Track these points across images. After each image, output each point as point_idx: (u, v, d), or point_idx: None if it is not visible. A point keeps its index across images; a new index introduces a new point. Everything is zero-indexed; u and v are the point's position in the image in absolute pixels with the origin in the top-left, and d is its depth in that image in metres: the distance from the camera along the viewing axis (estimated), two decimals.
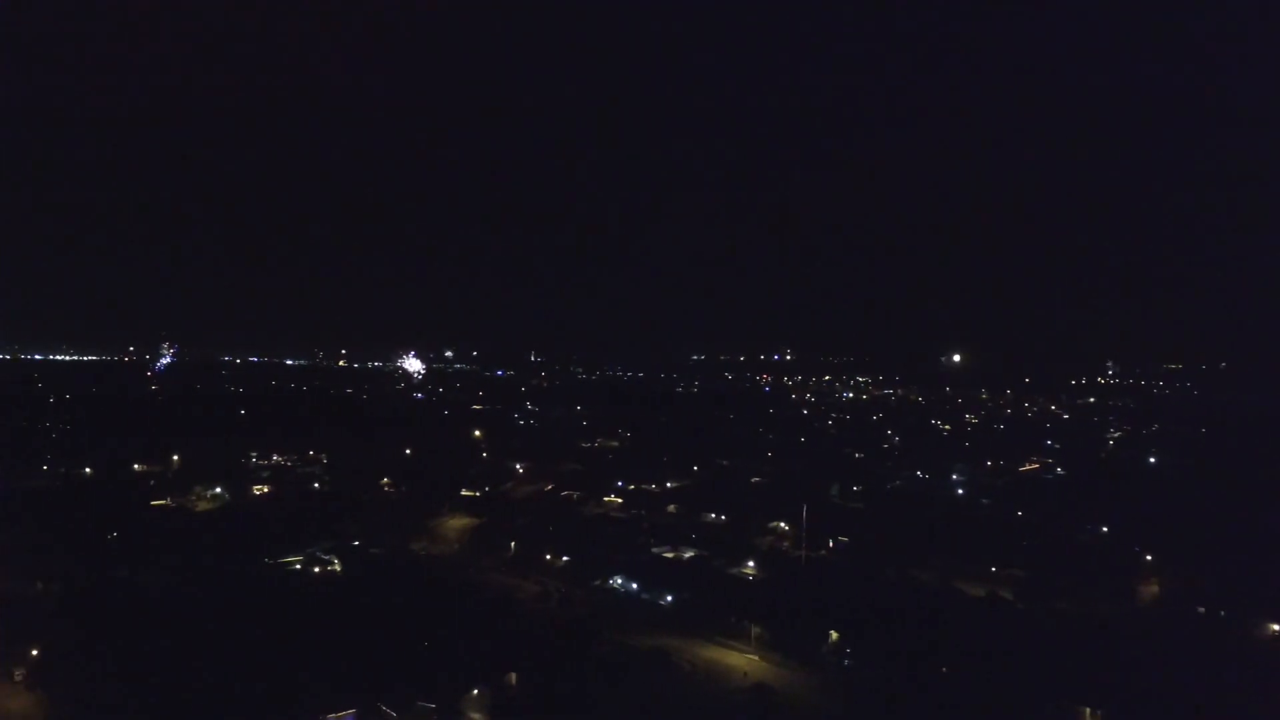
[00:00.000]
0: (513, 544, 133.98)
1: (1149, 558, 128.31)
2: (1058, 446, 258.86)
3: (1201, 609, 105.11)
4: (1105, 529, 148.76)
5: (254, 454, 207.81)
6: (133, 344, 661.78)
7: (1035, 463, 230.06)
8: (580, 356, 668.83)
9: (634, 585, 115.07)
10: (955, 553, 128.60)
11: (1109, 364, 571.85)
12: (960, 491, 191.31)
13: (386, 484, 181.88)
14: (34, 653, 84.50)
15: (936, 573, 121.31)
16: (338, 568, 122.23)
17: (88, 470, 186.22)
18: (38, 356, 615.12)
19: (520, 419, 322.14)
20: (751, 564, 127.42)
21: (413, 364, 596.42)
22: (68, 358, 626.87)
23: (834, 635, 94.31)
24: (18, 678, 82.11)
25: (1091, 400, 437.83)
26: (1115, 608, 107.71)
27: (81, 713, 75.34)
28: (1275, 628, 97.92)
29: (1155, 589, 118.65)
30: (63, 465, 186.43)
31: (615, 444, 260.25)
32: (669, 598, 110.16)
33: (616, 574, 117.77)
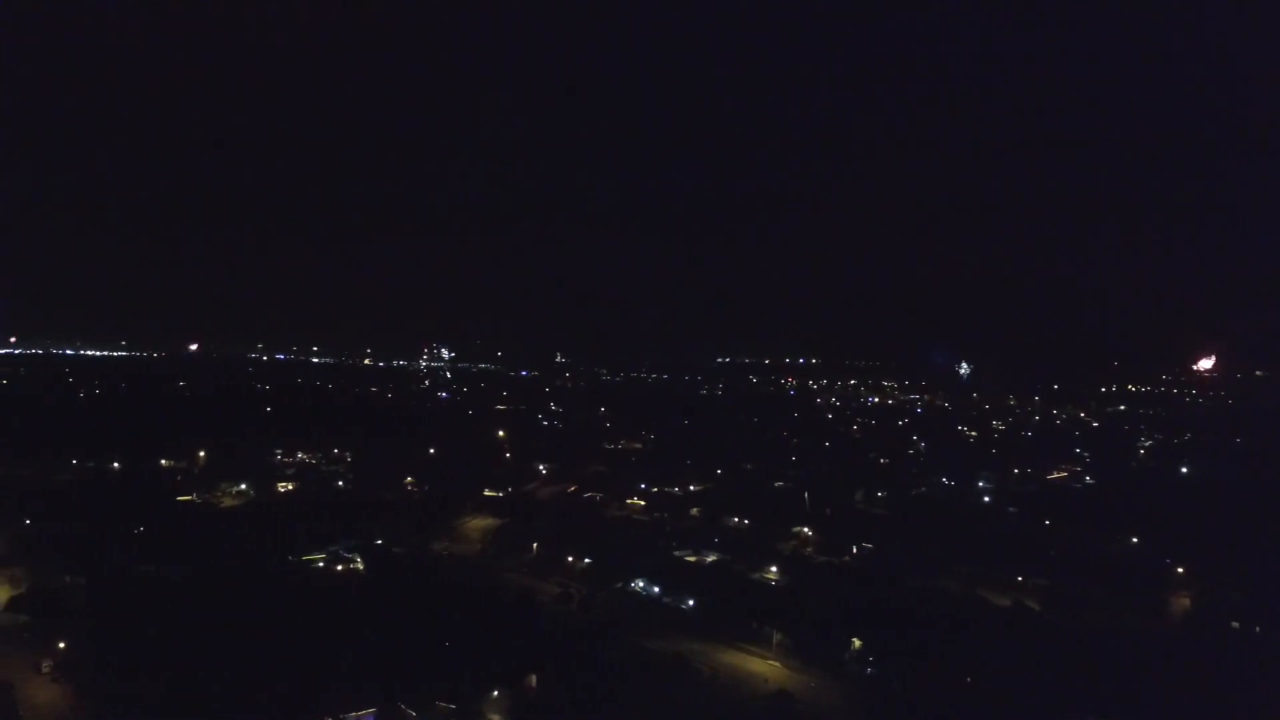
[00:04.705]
0: (535, 545, 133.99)
1: (1180, 570, 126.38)
2: (1087, 455, 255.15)
3: (1235, 624, 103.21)
4: (1135, 540, 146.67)
5: (279, 451, 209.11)
6: (161, 341, 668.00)
7: (1064, 471, 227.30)
8: (605, 358, 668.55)
9: (655, 589, 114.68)
10: (980, 561, 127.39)
11: (1140, 370, 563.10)
12: (986, 499, 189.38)
13: (410, 483, 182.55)
14: (61, 645, 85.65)
15: (961, 581, 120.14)
16: (360, 566, 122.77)
17: (115, 465, 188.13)
18: (68, 352, 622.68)
19: (544, 420, 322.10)
20: (774, 569, 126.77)
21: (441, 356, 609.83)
22: (97, 353, 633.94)
23: (856, 643, 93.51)
24: (45, 670, 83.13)
25: (1122, 408, 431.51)
26: (1144, 621, 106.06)
27: (107, 706, 76.07)
28: None
29: (1186, 603, 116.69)
30: (90, 460, 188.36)
31: (639, 446, 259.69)
32: (690, 602, 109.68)
33: (638, 577, 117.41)
